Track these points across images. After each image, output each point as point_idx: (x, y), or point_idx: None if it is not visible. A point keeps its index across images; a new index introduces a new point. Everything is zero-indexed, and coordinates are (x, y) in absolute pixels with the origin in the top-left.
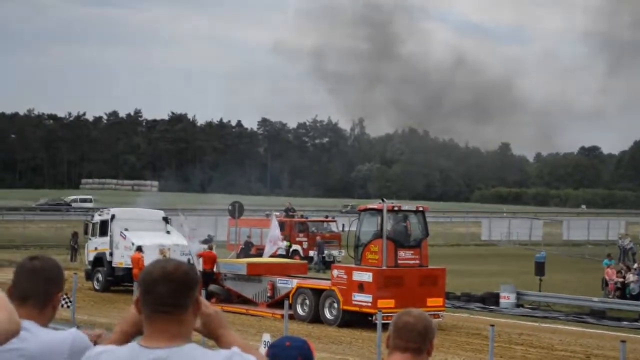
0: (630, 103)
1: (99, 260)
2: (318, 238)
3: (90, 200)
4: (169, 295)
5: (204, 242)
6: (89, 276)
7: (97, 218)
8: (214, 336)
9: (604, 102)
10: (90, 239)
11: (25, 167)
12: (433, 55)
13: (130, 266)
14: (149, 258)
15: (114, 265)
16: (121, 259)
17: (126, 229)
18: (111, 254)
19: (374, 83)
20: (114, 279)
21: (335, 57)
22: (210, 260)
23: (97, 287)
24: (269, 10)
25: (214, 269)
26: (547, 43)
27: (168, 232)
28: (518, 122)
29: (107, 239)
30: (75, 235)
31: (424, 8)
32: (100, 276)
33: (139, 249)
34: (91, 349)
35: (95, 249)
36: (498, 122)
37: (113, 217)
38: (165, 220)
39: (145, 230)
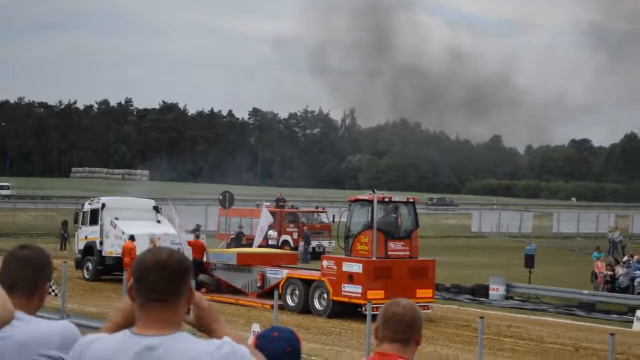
0: (622, 96)
1: (89, 249)
2: (305, 228)
3: (7, 188)
4: (162, 283)
5: (193, 231)
6: (79, 265)
7: (88, 207)
8: (207, 329)
9: (595, 95)
10: (80, 228)
11: (16, 155)
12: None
13: (121, 255)
14: (139, 247)
15: (104, 254)
16: (111, 248)
17: (116, 218)
18: (101, 243)
19: (369, 75)
20: (104, 268)
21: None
22: (198, 249)
23: (87, 276)
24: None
25: (203, 259)
26: (540, 36)
27: (158, 222)
28: (509, 114)
29: (97, 227)
30: (64, 224)
31: (421, 1)
32: (90, 265)
33: (132, 238)
34: (83, 337)
35: (86, 237)
36: (490, 115)
37: (103, 206)
38: (156, 209)
39: (136, 220)
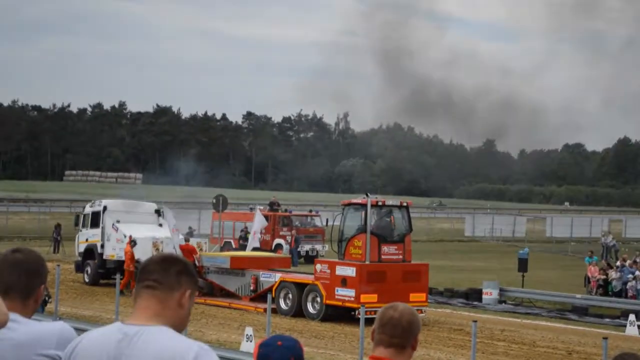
0: (614, 101)
1: (90, 252)
2: (293, 232)
3: None
4: (157, 269)
5: (187, 235)
6: (79, 268)
7: (89, 209)
8: None
9: (588, 99)
10: (80, 231)
11: (9, 158)
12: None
13: (122, 258)
14: (141, 251)
15: (105, 257)
16: (113, 251)
17: (118, 221)
18: (102, 246)
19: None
20: (104, 272)
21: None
22: (189, 253)
23: (87, 280)
24: (257, 2)
25: (195, 262)
26: (532, 40)
27: (160, 225)
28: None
29: (98, 230)
30: (58, 227)
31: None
32: (89, 268)
33: (134, 242)
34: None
35: (86, 240)
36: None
37: (105, 208)
38: (158, 213)
39: (138, 223)
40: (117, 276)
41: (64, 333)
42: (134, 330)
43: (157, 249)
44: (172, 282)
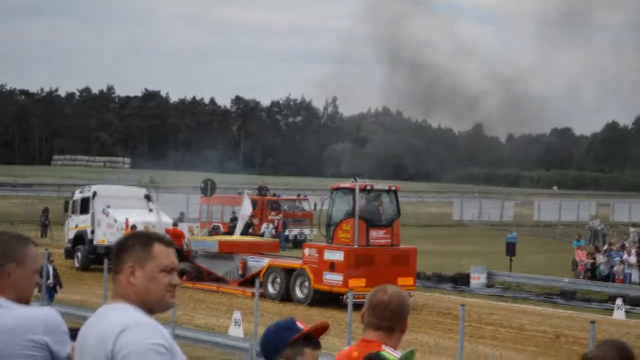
0: (603, 85)
1: (80, 238)
2: (281, 216)
3: None
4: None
5: (177, 219)
6: (69, 254)
7: (78, 195)
8: None
9: (577, 84)
10: (70, 217)
11: None
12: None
13: (112, 244)
14: None
15: (95, 243)
16: (103, 236)
17: (108, 207)
18: (92, 232)
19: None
20: (95, 257)
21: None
22: (176, 237)
23: (77, 265)
24: None
25: (183, 247)
26: (521, 23)
27: (150, 210)
28: (490, 103)
29: (88, 216)
30: (45, 211)
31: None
32: (79, 254)
33: (133, 227)
34: None
35: (76, 226)
36: (470, 104)
37: (95, 194)
38: (147, 197)
39: (128, 208)
40: (105, 261)
41: (50, 318)
42: (100, 310)
43: None
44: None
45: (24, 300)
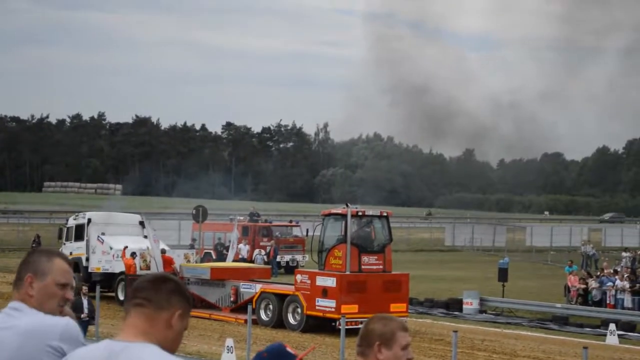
0: (593, 110)
1: (75, 266)
2: (272, 242)
3: None
4: (148, 287)
5: (190, 247)
6: None
7: (72, 222)
8: None
9: (566, 109)
10: (64, 244)
11: None
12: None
13: (109, 271)
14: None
15: (90, 270)
16: (98, 264)
17: (103, 234)
18: (87, 259)
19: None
20: (90, 285)
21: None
22: (166, 263)
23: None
24: (236, 12)
25: (175, 273)
26: (511, 49)
27: (145, 237)
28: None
29: (83, 243)
30: (37, 238)
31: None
32: (74, 282)
33: (133, 254)
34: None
35: (71, 253)
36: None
37: (89, 221)
38: (142, 224)
39: (123, 235)
40: (97, 287)
41: (68, 327)
42: (120, 347)
43: (145, 260)
44: (161, 300)
45: (46, 313)
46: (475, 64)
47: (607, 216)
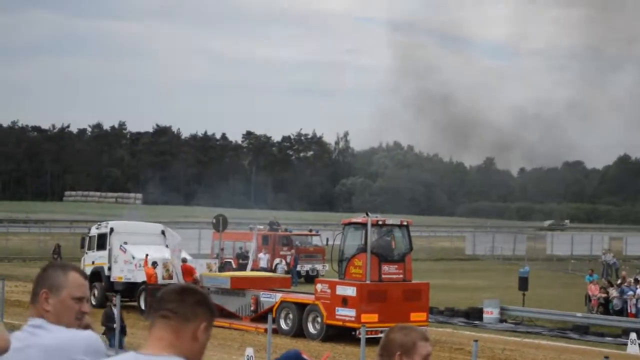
0: (615, 118)
1: (97, 275)
2: (293, 251)
3: None
4: (173, 298)
5: (216, 257)
6: None
7: (95, 231)
8: None
9: (588, 117)
10: (86, 253)
11: (8, 178)
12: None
13: (131, 280)
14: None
15: (112, 279)
16: (120, 273)
17: (125, 243)
18: (109, 269)
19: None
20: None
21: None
22: (187, 272)
23: (93, 303)
24: (256, 22)
25: (195, 282)
26: (532, 57)
27: (167, 246)
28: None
29: (105, 252)
30: (57, 247)
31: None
32: (96, 291)
33: (154, 264)
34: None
35: (93, 262)
36: (484, 138)
37: (112, 230)
38: (164, 233)
39: (145, 244)
40: (118, 297)
41: (92, 341)
42: None
43: (167, 270)
44: (187, 312)
45: (65, 326)
46: (498, 74)
47: (546, 223)
